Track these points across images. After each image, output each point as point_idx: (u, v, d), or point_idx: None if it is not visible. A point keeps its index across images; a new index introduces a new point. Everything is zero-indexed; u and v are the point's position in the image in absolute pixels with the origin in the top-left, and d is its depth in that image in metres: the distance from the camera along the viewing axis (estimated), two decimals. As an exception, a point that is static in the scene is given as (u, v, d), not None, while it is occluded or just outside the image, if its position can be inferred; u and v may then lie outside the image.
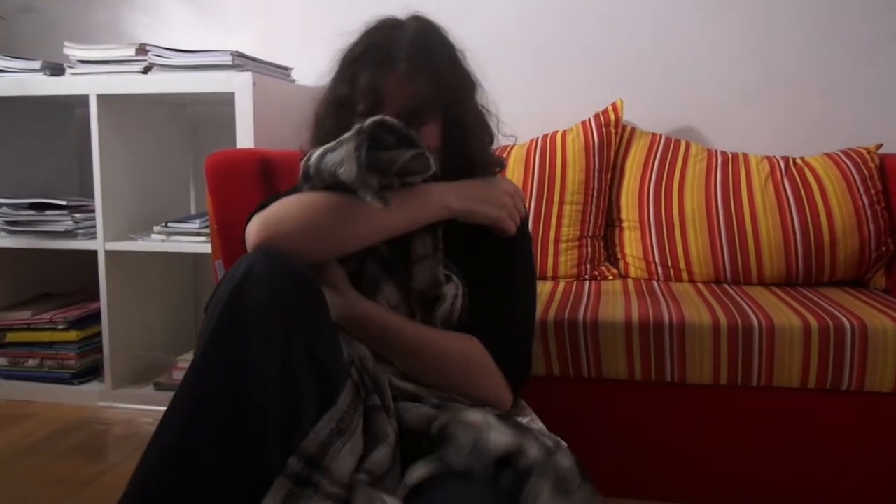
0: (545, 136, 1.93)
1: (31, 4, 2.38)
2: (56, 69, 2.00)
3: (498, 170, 1.10)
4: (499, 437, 0.83)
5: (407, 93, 0.96)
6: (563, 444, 0.88)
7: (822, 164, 1.77)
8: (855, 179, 1.72)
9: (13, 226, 2.05)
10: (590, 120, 1.91)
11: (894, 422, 1.32)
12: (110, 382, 2.02)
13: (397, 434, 0.86)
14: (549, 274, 1.83)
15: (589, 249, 1.84)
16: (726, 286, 1.70)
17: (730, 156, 1.85)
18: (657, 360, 1.37)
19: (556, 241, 1.82)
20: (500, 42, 2.10)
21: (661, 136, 1.92)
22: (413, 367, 0.97)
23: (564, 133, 1.92)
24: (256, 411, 0.76)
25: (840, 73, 1.94)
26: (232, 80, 1.81)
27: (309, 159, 0.94)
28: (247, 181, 1.51)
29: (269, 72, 1.96)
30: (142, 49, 1.91)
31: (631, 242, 1.84)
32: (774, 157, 1.83)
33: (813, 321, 1.32)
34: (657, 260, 1.80)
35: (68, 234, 2.02)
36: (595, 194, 1.85)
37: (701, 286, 1.70)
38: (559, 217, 1.83)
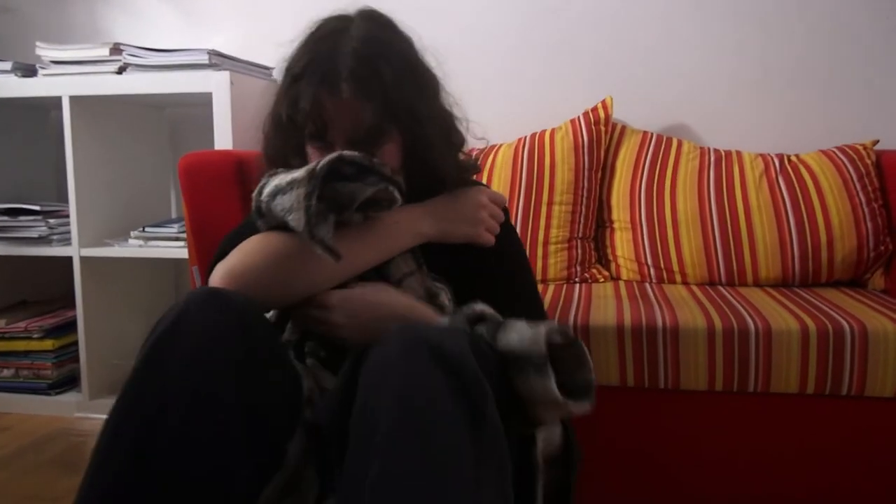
0: (533, 136, 1.88)
1: (5, 4, 2.32)
2: (28, 70, 1.95)
3: (474, 175, 1.05)
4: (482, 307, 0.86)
5: (354, 117, 0.89)
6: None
7: (817, 162, 1.73)
8: (851, 177, 1.68)
9: (-14, 232, 1.99)
10: (579, 118, 1.86)
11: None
12: (87, 392, 1.97)
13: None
14: (539, 277, 1.77)
15: (579, 251, 1.79)
16: (721, 288, 1.65)
17: (723, 154, 1.80)
18: (650, 366, 1.32)
19: (546, 243, 1.77)
20: (485, 39, 2.05)
21: (652, 134, 1.88)
22: None
23: (553, 132, 1.87)
24: (175, 472, 0.70)
25: (835, 69, 1.90)
26: (209, 80, 1.77)
27: (261, 193, 0.88)
28: (222, 184, 1.46)
29: (248, 71, 1.91)
30: (116, 49, 1.86)
31: (622, 244, 1.80)
32: (769, 154, 1.79)
33: (811, 324, 1.28)
34: (649, 261, 1.75)
35: (42, 241, 1.96)
36: (585, 194, 1.80)
37: (695, 288, 1.65)
38: (548, 218, 1.78)
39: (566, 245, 1.78)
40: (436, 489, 0.63)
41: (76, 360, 2.00)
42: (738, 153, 1.80)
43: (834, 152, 1.75)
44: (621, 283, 1.74)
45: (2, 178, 2.19)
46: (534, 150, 1.83)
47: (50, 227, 1.96)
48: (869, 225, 1.64)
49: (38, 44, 1.91)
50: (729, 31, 1.95)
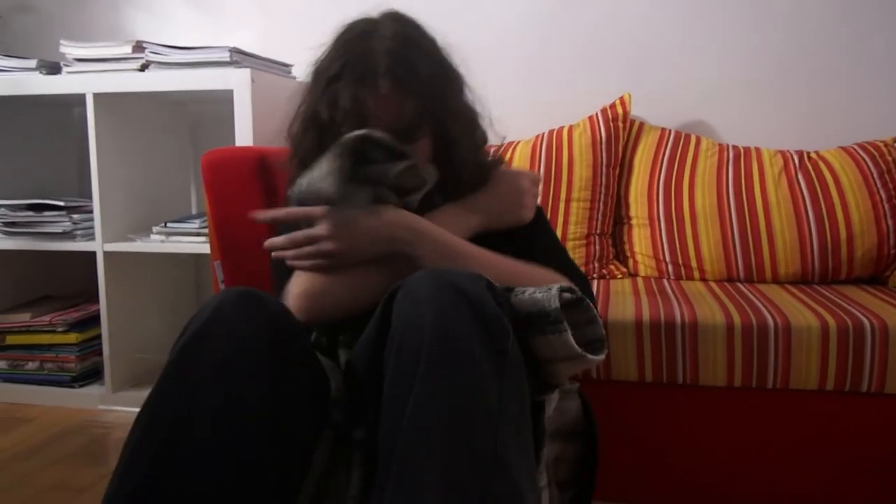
0: (551, 132, 1.89)
1: (28, 3, 2.36)
2: (52, 68, 1.97)
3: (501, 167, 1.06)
4: None
5: (393, 112, 0.91)
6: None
7: (837, 158, 1.72)
8: (872, 173, 1.67)
9: (11, 227, 2.03)
10: (597, 115, 1.86)
11: (916, 425, 1.27)
12: (111, 385, 2.00)
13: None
14: (557, 273, 1.78)
15: (597, 247, 1.79)
16: (739, 284, 1.65)
17: (742, 150, 1.80)
18: (668, 362, 1.32)
19: (564, 239, 1.77)
20: (504, 37, 2.05)
21: (670, 130, 1.88)
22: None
23: (571, 128, 1.87)
24: (200, 471, 0.71)
25: (855, 66, 1.89)
26: (230, 77, 1.78)
27: (296, 187, 0.91)
28: (245, 179, 1.47)
29: (268, 68, 1.92)
30: (138, 46, 1.88)
31: (640, 240, 1.80)
32: (788, 151, 1.78)
33: (831, 320, 1.28)
34: (667, 258, 1.75)
35: (66, 236, 1.99)
36: (603, 191, 1.81)
37: (713, 285, 1.65)
38: (566, 214, 1.78)
39: (584, 241, 1.78)
40: (466, 412, 0.69)
41: (99, 353, 2.03)
42: (757, 150, 1.79)
43: (854, 149, 1.74)
44: (639, 280, 1.75)
45: (25, 174, 2.22)
46: (552, 147, 1.84)
47: (74, 223, 1.99)
48: (890, 222, 1.63)
49: (61, 41, 1.94)
50: (747, 28, 1.94)
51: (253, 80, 1.77)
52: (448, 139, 0.96)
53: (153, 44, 1.88)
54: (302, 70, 2.07)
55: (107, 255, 1.95)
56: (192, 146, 2.30)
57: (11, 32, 2.37)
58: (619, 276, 1.79)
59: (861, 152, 1.72)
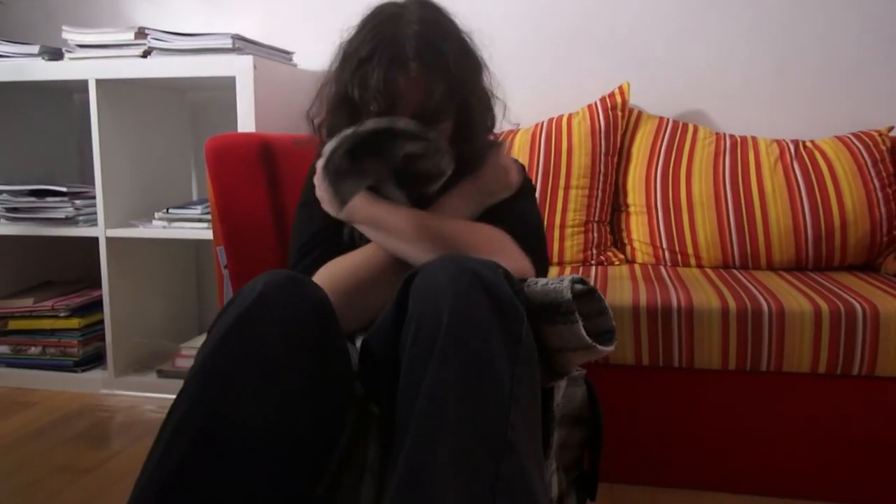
0: (550, 120, 1.91)
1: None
2: (55, 54, 1.98)
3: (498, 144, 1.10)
4: None
5: (421, 93, 0.94)
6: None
7: (832, 148, 1.74)
8: (866, 162, 1.70)
9: (13, 213, 2.04)
10: (596, 103, 1.88)
11: (906, 407, 1.30)
12: (113, 370, 2.02)
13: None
14: (556, 259, 1.80)
15: (595, 234, 1.81)
16: (735, 271, 1.68)
17: (738, 139, 1.82)
18: (665, 346, 1.35)
19: (563, 226, 1.80)
20: (504, 25, 2.07)
21: (668, 119, 1.89)
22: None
23: (570, 117, 1.89)
24: (242, 448, 0.73)
25: (851, 56, 1.91)
26: (232, 64, 1.79)
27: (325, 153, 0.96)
28: (248, 165, 1.49)
29: (269, 55, 1.93)
30: (141, 33, 1.89)
31: (638, 227, 1.82)
32: (784, 140, 1.81)
33: (823, 305, 1.30)
34: (664, 245, 1.77)
35: (69, 221, 2.00)
36: (601, 178, 1.83)
37: (709, 271, 1.68)
38: (565, 202, 1.80)
39: (583, 228, 1.80)
40: (479, 393, 0.71)
41: (102, 338, 2.05)
42: (754, 139, 1.82)
43: (849, 138, 1.76)
44: (636, 266, 1.77)
45: (26, 160, 2.23)
46: (551, 135, 1.86)
47: (76, 209, 2.00)
48: (882, 210, 1.66)
49: (64, 27, 1.94)
50: (746, 19, 1.95)
51: (255, 67, 1.78)
52: (468, 120, 1.00)
53: (156, 30, 1.89)
54: (304, 58, 2.09)
55: (109, 240, 1.96)
56: (192, 133, 2.32)
57: (13, 18, 2.37)
58: (617, 262, 1.81)
59: (856, 141, 1.74)
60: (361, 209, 0.97)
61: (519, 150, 1.85)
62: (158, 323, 2.18)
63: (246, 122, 1.78)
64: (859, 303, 1.30)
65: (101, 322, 2.03)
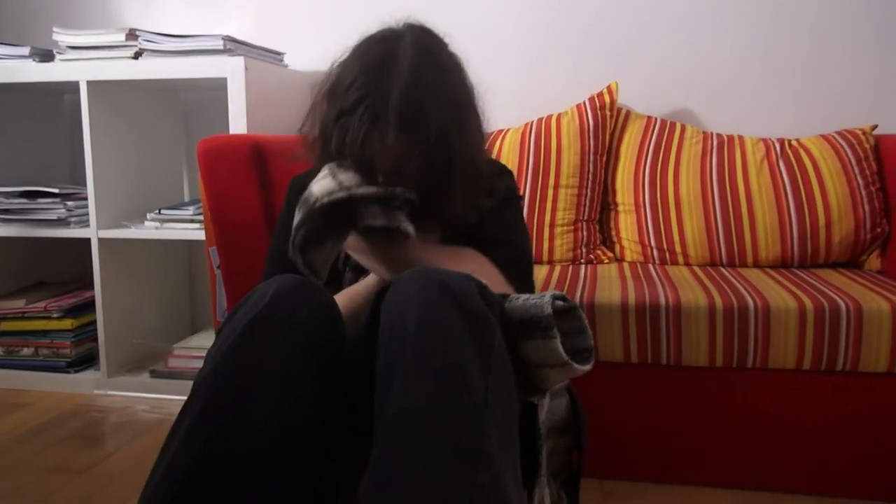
0: (539, 120, 1.92)
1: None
2: (45, 55, 1.98)
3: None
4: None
5: (396, 162, 0.92)
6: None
7: (817, 146, 1.77)
8: (850, 161, 1.72)
9: (5, 214, 2.03)
10: (584, 103, 1.90)
11: (889, 402, 1.32)
12: (106, 370, 2.02)
13: None
14: (545, 258, 1.82)
15: (584, 233, 1.83)
16: (722, 269, 1.70)
17: (725, 138, 1.84)
18: (653, 343, 1.37)
19: (552, 226, 1.81)
20: (491, 24, 2.08)
21: (656, 118, 1.91)
22: None
23: (559, 117, 1.91)
24: (254, 451, 0.74)
25: (836, 56, 1.93)
26: (223, 65, 1.80)
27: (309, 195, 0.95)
28: (240, 167, 1.50)
29: (261, 56, 1.94)
30: (132, 34, 1.89)
31: (626, 226, 1.84)
32: (770, 139, 1.83)
33: (808, 302, 1.33)
34: (653, 243, 1.79)
35: (61, 222, 2.01)
36: (590, 178, 1.85)
37: (696, 269, 1.70)
38: (554, 201, 1.82)
39: (572, 227, 1.82)
40: (450, 403, 0.70)
41: (94, 338, 2.05)
42: (740, 138, 1.84)
43: (834, 137, 1.79)
44: (625, 265, 1.79)
45: (18, 161, 2.23)
46: (540, 135, 1.87)
47: (68, 210, 2.00)
48: (866, 208, 1.68)
49: (55, 29, 1.94)
50: (732, 19, 1.97)
51: (246, 68, 1.79)
52: (447, 186, 0.96)
53: (146, 32, 1.89)
54: (295, 59, 2.10)
55: (101, 241, 1.97)
56: (183, 134, 2.32)
57: (3, 20, 2.37)
58: (606, 261, 1.83)
59: (840, 140, 1.77)
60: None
61: (508, 150, 1.87)
62: (151, 323, 2.18)
63: (237, 123, 1.79)
64: (843, 300, 1.32)
65: (94, 323, 2.03)
